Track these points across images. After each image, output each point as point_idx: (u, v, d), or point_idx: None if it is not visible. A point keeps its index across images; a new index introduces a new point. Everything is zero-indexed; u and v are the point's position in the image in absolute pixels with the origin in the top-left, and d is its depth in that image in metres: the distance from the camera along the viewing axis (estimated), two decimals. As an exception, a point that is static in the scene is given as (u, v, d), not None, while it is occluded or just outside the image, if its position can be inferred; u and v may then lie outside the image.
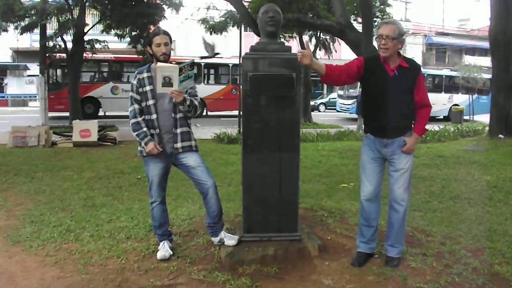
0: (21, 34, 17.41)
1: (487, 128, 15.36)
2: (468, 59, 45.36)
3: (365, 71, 3.91)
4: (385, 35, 3.74)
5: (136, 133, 4.13)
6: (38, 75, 18.27)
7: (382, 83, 3.86)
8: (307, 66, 3.73)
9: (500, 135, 13.73)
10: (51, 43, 17.81)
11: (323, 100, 36.74)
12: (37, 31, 16.99)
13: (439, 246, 4.55)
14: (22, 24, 16.79)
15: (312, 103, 30.13)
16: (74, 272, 3.98)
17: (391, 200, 4.02)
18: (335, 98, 31.04)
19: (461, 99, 27.27)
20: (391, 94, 3.82)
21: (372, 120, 4.05)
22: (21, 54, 34.74)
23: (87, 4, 17.31)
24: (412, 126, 3.98)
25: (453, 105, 26.08)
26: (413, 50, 43.70)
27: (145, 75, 4.13)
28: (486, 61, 34.97)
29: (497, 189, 7.31)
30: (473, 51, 47.50)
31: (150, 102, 4.08)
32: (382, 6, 22.88)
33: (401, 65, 3.84)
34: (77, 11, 17.18)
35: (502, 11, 13.53)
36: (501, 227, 5.26)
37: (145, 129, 4.10)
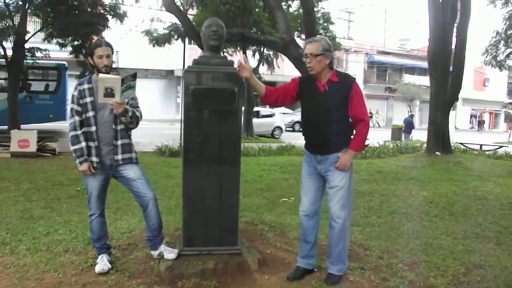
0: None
1: (424, 145, 15.83)
2: (407, 78, 47.09)
3: (299, 89, 4.00)
4: (308, 53, 3.81)
5: (73, 148, 4.06)
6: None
7: (313, 99, 3.92)
8: (246, 79, 3.82)
9: (437, 152, 14.19)
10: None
11: (299, 119, 36.30)
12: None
13: (377, 260, 4.66)
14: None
15: (287, 121, 29.93)
16: (9, 287, 3.85)
17: (329, 216, 4.00)
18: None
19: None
20: (322, 110, 3.86)
21: (305, 136, 4.10)
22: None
23: (28, 11, 16.84)
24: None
25: None
26: (355, 68, 44.88)
27: (85, 86, 4.06)
28: (425, 80, 36.25)
29: (433, 204, 7.59)
30: (412, 70, 49.34)
31: (90, 113, 4.02)
32: (325, 24, 23.36)
33: (331, 79, 3.85)
34: (18, 18, 16.70)
35: (440, 33, 14.06)
36: (436, 241, 5.45)
37: (83, 144, 4.03)
